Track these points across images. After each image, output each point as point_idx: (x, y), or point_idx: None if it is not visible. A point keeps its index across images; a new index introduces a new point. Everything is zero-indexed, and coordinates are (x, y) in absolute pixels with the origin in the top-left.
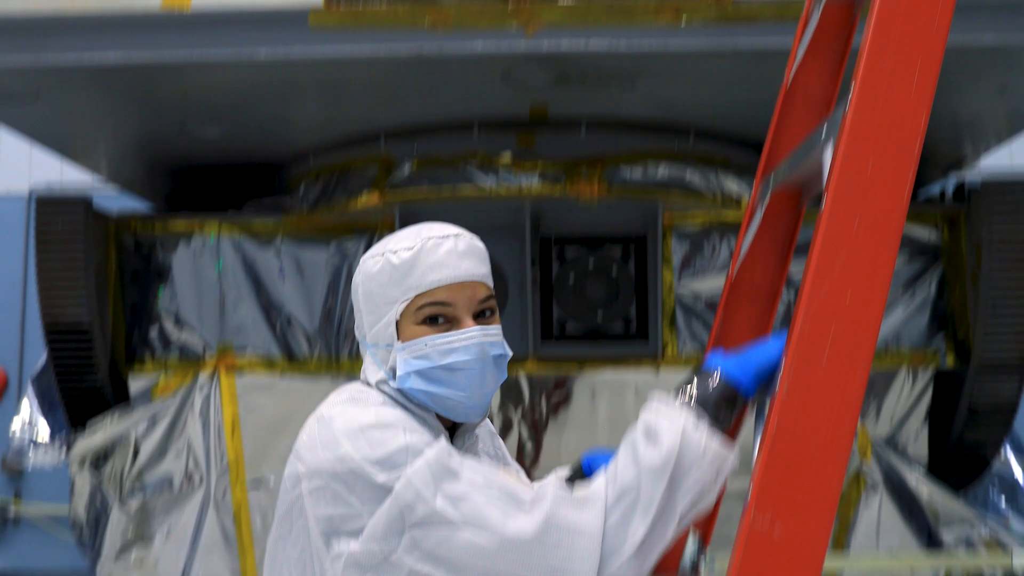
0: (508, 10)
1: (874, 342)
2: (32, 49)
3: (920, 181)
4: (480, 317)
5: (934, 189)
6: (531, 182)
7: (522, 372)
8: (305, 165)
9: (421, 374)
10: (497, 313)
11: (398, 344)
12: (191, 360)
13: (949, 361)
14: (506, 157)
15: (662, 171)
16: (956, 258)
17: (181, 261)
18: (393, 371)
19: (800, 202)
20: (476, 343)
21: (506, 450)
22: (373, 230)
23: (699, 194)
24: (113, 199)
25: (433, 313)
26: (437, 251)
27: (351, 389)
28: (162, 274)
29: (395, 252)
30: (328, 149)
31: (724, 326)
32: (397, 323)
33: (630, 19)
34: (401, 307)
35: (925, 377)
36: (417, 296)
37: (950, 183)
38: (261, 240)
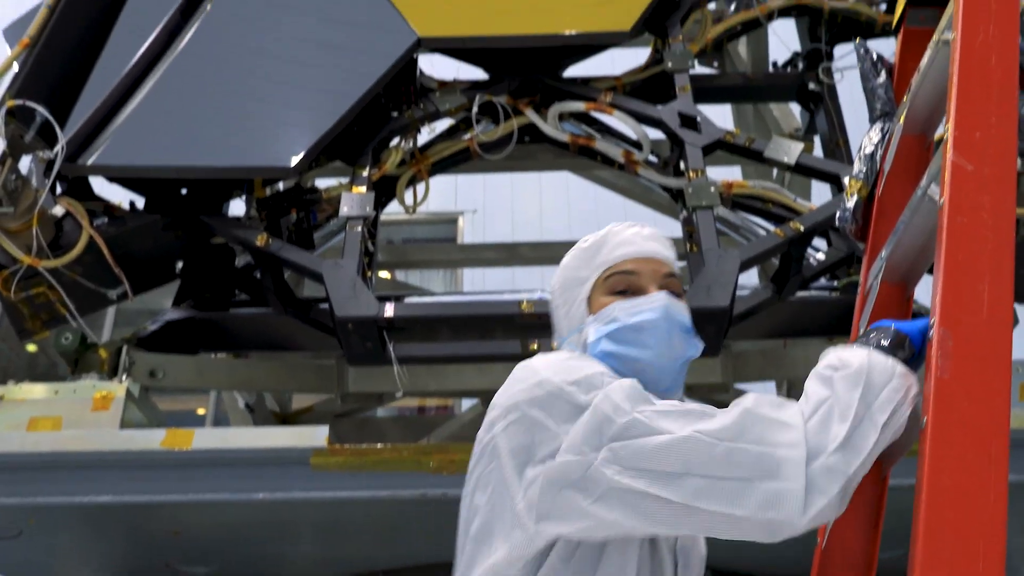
0: None
1: None
2: (23, 490)
3: None
4: (668, 292)
5: None
6: None
7: None
8: None
9: (610, 336)
10: (684, 298)
11: (590, 319)
12: None
13: None
14: None
15: None
16: None
17: None
18: (585, 346)
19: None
20: (662, 304)
21: None
22: None
23: None
24: None
25: (620, 284)
26: (624, 232)
27: None
28: None
29: (585, 240)
30: None
31: None
32: (589, 301)
33: None
34: (591, 284)
35: None
36: (605, 271)
37: None
38: None
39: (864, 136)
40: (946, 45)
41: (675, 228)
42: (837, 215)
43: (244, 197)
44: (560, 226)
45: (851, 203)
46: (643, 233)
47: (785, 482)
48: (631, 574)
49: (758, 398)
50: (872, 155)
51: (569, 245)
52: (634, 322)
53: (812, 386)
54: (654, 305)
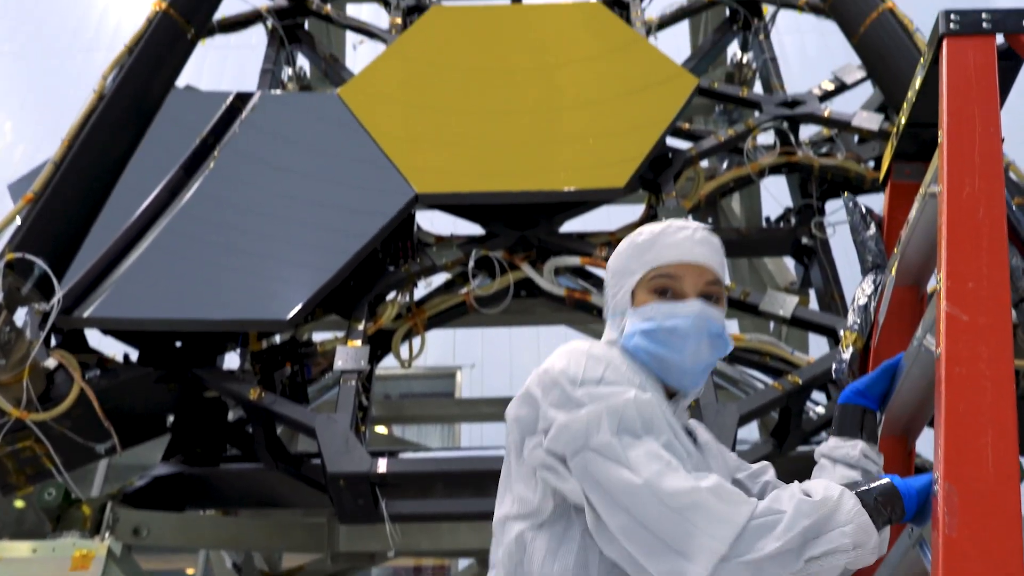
0: None
1: None
2: None
3: None
4: (706, 299)
5: None
6: None
7: None
8: None
9: (645, 333)
10: (724, 303)
11: (631, 310)
12: None
13: None
14: None
15: None
16: None
17: None
18: (622, 331)
19: None
20: (696, 313)
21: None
22: None
23: None
24: None
25: (662, 285)
26: (676, 235)
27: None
28: None
29: (640, 234)
30: None
31: None
32: (633, 293)
33: None
34: (637, 278)
35: None
36: (652, 269)
37: None
38: None
39: (857, 288)
40: (933, 198)
41: None
42: (833, 367)
43: (239, 350)
44: None
45: (847, 355)
46: (694, 238)
47: (692, 564)
48: None
49: (719, 487)
50: (866, 306)
51: None
52: (668, 325)
53: (781, 495)
54: (688, 312)
